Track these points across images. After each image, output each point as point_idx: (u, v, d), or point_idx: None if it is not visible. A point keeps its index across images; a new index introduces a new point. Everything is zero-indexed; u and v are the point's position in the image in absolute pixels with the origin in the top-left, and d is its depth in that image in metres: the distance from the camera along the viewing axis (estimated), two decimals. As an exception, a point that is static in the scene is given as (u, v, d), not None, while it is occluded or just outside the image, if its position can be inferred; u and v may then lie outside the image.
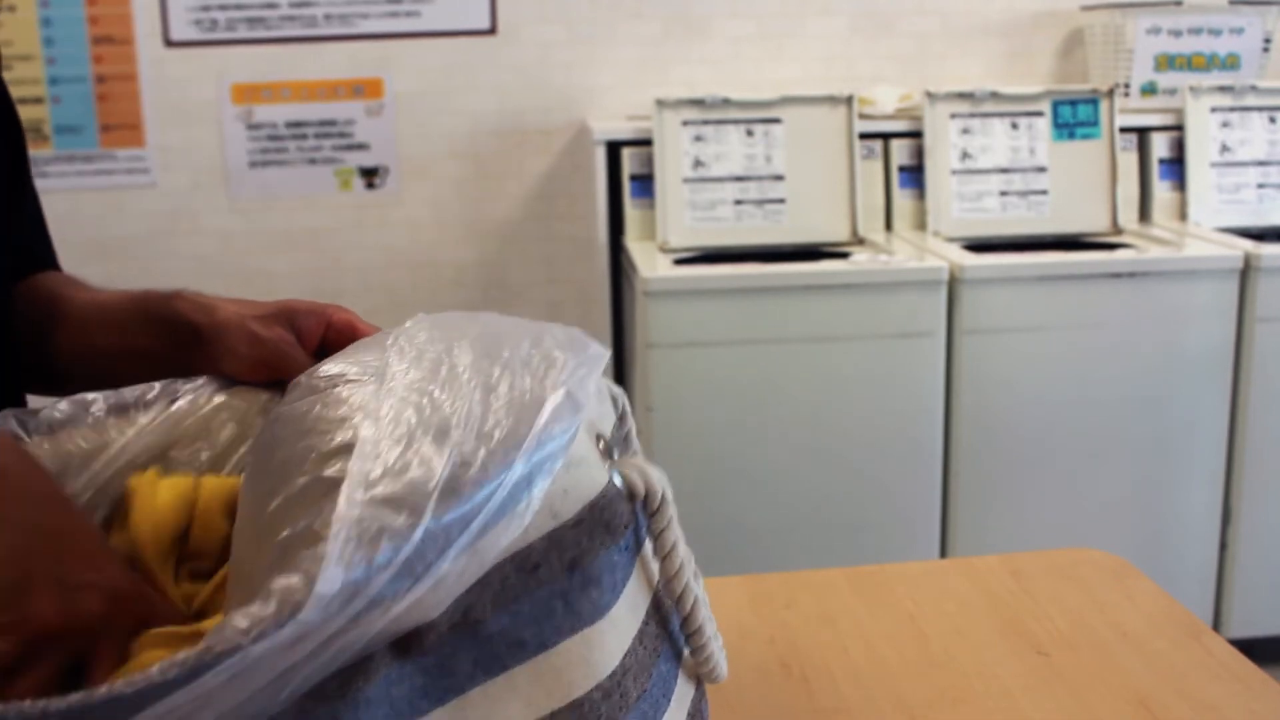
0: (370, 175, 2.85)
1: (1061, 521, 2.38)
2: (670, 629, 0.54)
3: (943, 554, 2.39)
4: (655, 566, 0.54)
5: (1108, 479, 2.39)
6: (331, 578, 0.38)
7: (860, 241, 2.57)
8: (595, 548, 0.48)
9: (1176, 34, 2.72)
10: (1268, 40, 2.75)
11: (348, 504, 0.40)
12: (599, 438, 0.52)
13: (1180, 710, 0.73)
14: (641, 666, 0.50)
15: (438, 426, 0.44)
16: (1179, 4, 2.73)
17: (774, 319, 2.28)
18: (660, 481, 0.52)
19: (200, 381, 0.66)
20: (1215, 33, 2.73)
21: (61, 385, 0.80)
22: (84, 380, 0.70)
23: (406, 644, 0.42)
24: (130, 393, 0.64)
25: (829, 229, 2.59)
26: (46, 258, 0.88)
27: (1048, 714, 0.73)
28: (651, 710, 0.50)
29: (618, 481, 0.51)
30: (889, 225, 2.66)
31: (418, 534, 0.40)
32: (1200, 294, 2.35)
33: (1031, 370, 2.34)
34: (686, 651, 0.56)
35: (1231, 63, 2.74)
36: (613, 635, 0.48)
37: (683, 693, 0.54)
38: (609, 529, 0.49)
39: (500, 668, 0.44)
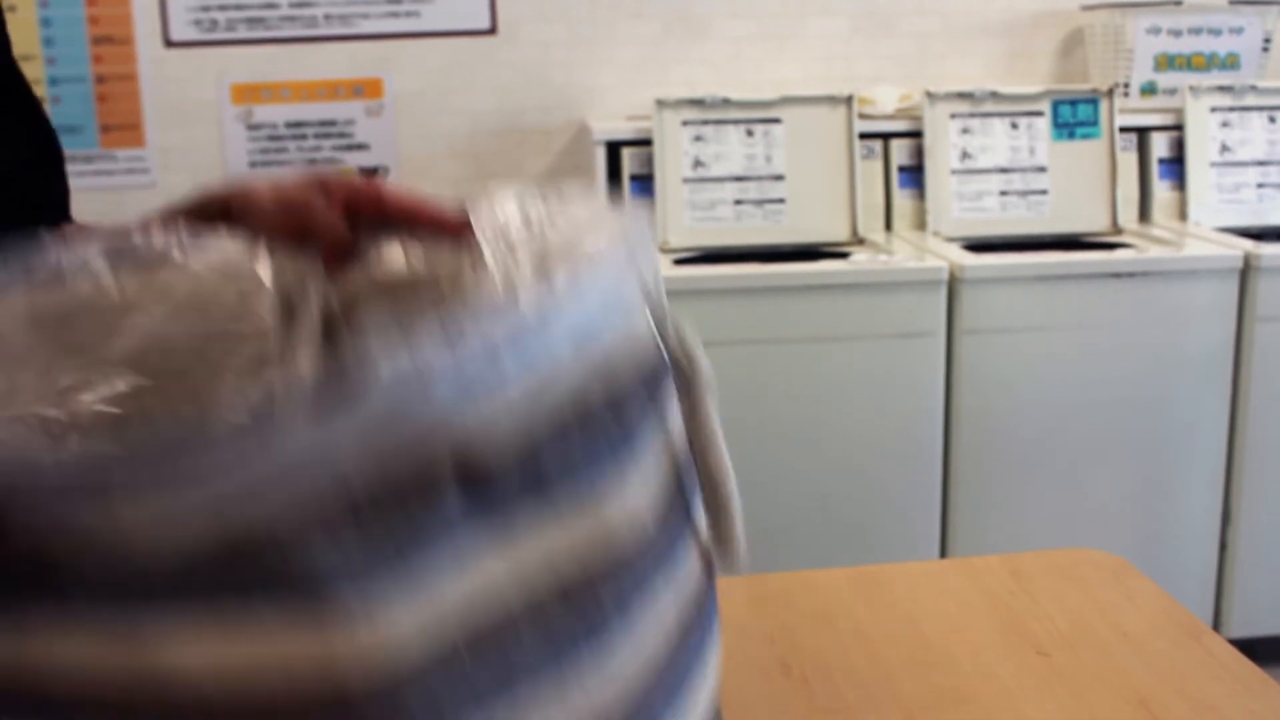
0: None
1: (1061, 521, 2.38)
2: (689, 502, 0.57)
3: (943, 554, 2.39)
4: (677, 436, 0.56)
5: (1108, 479, 2.39)
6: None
7: (860, 241, 2.57)
8: (636, 401, 0.51)
9: (1176, 34, 2.72)
10: (1268, 40, 2.75)
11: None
12: (645, 293, 0.54)
13: (1180, 710, 0.73)
14: (664, 522, 0.53)
15: (518, 241, 0.49)
16: (1179, 4, 2.73)
17: (774, 319, 2.28)
18: (696, 346, 0.55)
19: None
20: (1215, 33, 2.73)
21: None
22: None
23: (475, 484, 0.43)
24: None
25: (829, 229, 2.59)
26: (60, 209, 0.88)
27: (1048, 714, 0.73)
28: (675, 568, 0.53)
29: (656, 336, 0.53)
30: (889, 225, 2.66)
31: (528, 296, 0.44)
32: (1200, 294, 2.35)
33: (1031, 370, 2.34)
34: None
35: (1231, 63, 2.74)
36: (643, 487, 0.51)
37: (693, 566, 0.57)
38: (646, 384, 0.52)
39: (554, 514, 0.46)
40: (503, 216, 0.51)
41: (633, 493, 0.50)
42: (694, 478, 0.58)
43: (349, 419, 0.38)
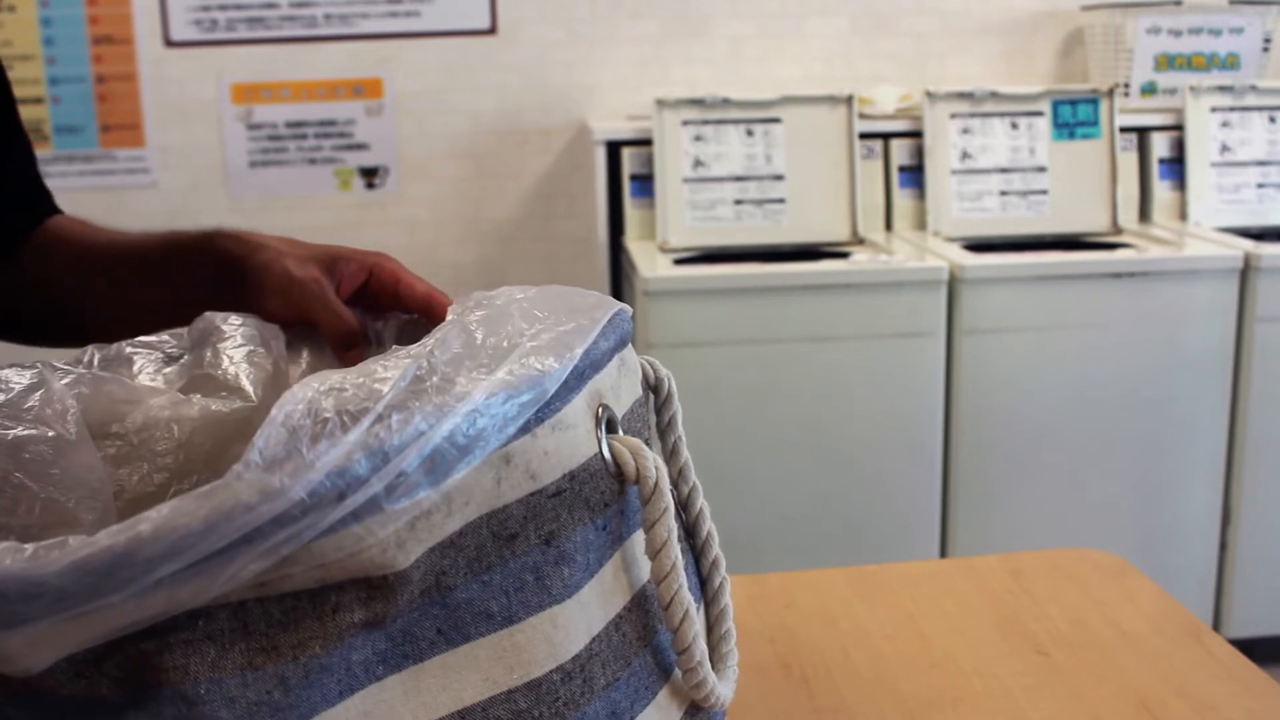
0: (370, 175, 2.85)
1: (1061, 521, 2.38)
2: (656, 635, 0.51)
3: (943, 554, 2.39)
4: (643, 565, 0.51)
5: (1108, 479, 2.39)
6: (273, 436, 0.36)
7: (860, 241, 2.57)
8: (573, 522, 0.46)
9: (1176, 34, 2.72)
10: (1268, 40, 2.75)
11: (301, 388, 0.39)
12: (602, 406, 0.49)
13: (1180, 710, 0.73)
14: (616, 654, 0.48)
15: (411, 349, 0.43)
16: (1179, 4, 2.73)
17: (774, 319, 2.28)
18: (654, 468, 0.49)
19: (239, 322, 0.65)
20: (1215, 33, 2.73)
21: (92, 337, 0.79)
22: (122, 332, 0.70)
23: (380, 610, 0.40)
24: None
25: (829, 229, 2.59)
26: (48, 203, 0.86)
27: (1048, 714, 0.73)
28: (627, 702, 0.48)
29: (606, 455, 0.48)
30: (889, 225, 2.66)
31: (368, 418, 0.38)
32: (1200, 294, 2.35)
33: (1031, 370, 2.34)
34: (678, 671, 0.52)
35: (1231, 63, 2.74)
36: (580, 617, 0.46)
37: (670, 695, 0.51)
38: (588, 504, 0.47)
39: (463, 638, 0.43)
40: (467, 321, 0.46)
41: (564, 618, 0.45)
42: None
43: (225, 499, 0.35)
